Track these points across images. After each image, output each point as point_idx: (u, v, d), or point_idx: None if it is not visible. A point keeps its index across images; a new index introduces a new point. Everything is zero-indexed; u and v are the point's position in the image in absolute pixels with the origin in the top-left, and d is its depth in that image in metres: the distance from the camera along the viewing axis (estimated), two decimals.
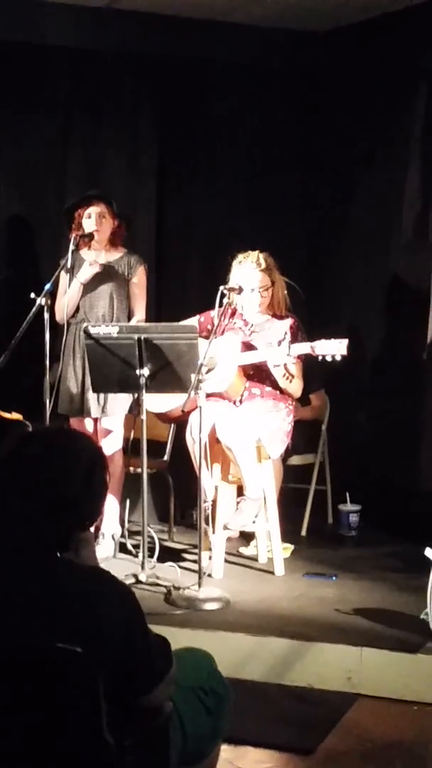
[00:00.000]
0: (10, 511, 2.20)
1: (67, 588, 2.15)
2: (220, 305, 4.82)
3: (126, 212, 5.54)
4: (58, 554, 2.22)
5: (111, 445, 5.26)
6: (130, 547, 5.26)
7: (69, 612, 2.11)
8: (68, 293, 5.18)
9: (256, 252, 5.08)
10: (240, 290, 5.00)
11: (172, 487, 5.64)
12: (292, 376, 4.91)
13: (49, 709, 2.08)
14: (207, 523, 4.83)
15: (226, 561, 5.08)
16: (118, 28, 6.03)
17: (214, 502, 4.95)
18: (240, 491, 5.02)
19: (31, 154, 6.05)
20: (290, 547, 5.37)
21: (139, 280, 5.33)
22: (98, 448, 2.40)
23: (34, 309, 4.74)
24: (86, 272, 5.18)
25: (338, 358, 4.76)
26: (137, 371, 4.60)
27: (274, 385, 5.01)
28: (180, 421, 5.14)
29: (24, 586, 2.14)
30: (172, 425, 5.48)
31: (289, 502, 5.62)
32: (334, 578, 4.95)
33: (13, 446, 2.27)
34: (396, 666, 3.96)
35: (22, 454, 2.25)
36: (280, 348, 4.84)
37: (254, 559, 5.30)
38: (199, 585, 4.57)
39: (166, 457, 5.59)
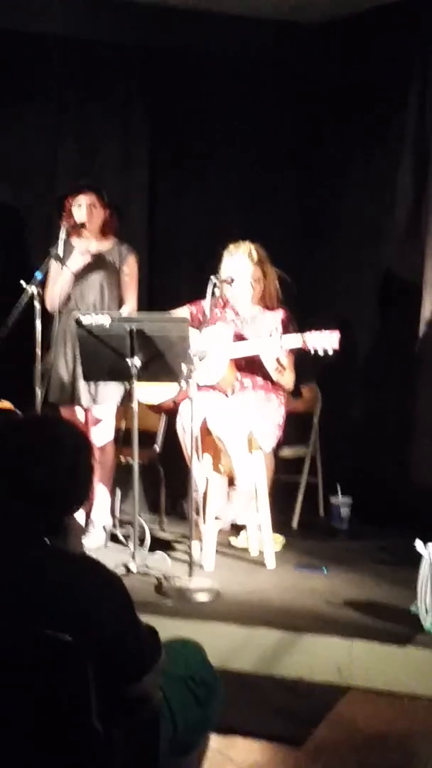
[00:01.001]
0: None
1: (55, 575, 2.14)
2: (212, 296, 4.80)
3: (117, 202, 5.52)
4: (47, 541, 2.21)
5: (102, 435, 5.25)
6: (120, 537, 5.25)
7: (57, 599, 2.10)
8: (59, 282, 5.16)
9: (248, 243, 5.07)
10: (231, 281, 4.98)
11: (163, 477, 5.64)
12: (284, 369, 4.91)
13: (37, 697, 2.07)
14: (198, 514, 4.82)
15: (217, 552, 5.06)
16: (110, 18, 6.00)
17: (205, 493, 4.94)
18: (231, 482, 5.02)
19: (21, 144, 6.02)
20: (281, 539, 5.36)
21: (130, 269, 5.31)
22: (82, 434, 2.39)
23: (23, 297, 4.72)
24: (77, 261, 5.16)
25: (330, 352, 4.74)
26: (128, 361, 4.59)
27: (266, 376, 5.00)
28: (171, 412, 5.13)
29: (12, 574, 2.13)
30: (164, 416, 5.46)
31: (281, 495, 5.60)
32: (324, 570, 4.95)
33: None
34: (386, 658, 3.96)
35: (5, 443, 2.23)
36: (271, 340, 4.83)
37: (245, 550, 5.29)
38: (190, 575, 4.56)
39: (157, 448, 5.58)
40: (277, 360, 4.85)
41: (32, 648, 2.06)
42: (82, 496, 2.31)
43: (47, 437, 2.26)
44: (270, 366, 4.87)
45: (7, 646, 2.07)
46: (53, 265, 5.09)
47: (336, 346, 4.73)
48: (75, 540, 2.38)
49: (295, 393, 5.61)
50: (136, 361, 4.57)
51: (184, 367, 4.47)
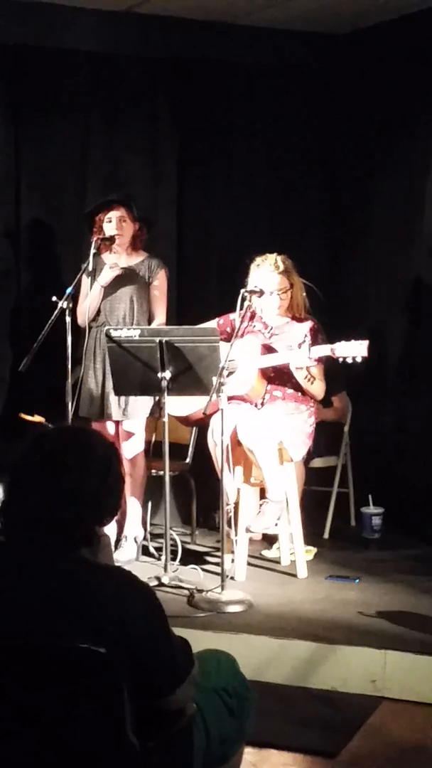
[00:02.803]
0: (31, 509, 2.20)
1: (89, 588, 2.15)
2: (241, 308, 4.82)
3: (146, 216, 5.55)
4: (80, 552, 2.22)
5: (133, 448, 5.27)
6: (152, 550, 5.26)
7: (91, 612, 2.11)
8: (89, 296, 5.19)
9: (274, 255, 5.07)
10: (261, 293, 4.99)
11: (195, 489, 5.64)
12: (314, 378, 4.91)
13: (72, 710, 2.08)
14: (229, 526, 4.82)
15: (249, 564, 5.07)
16: (138, 32, 6.05)
17: (236, 504, 4.95)
18: (262, 494, 5.02)
19: (51, 158, 6.08)
20: (313, 549, 5.36)
21: (159, 284, 5.34)
22: (111, 443, 2.41)
23: (56, 312, 4.76)
24: (107, 275, 5.19)
25: (359, 359, 4.74)
26: (159, 374, 4.61)
27: (296, 387, 5.00)
28: (202, 424, 5.14)
29: (47, 585, 2.14)
30: (194, 428, 5.47)
31: (312, 505, 5.61)
32: (357, 581, 4.94)
33: (28, 446, 2.28)
34: (420, 669, 3.94)
35: (38, 453, 2.26)
36: (300, 350, 4.83)
37: (277, 561, 5.29)
38: (222, 588, 4.57)
39: (188, 460, 5.59)
40: (307, 370, 4.85)
41: (67, 660, 2.07)
42: (114, 505, 2.32)
43: (78, 445, 2.29)
44: (299, 376, 4.88)
45: (42, 659, 2.08)
46: (84, 280, 5.13)
47: (365, 353, 4.72)
48: (106, 553, 2.40)
49: (326, 402, 5.61)
50: (166, 375, 4.59)
51: (214, 380, 4.48)
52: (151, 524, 5.56)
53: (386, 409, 6.30)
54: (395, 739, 3.61)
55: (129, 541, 5.30)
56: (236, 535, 4.92)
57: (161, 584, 4.65)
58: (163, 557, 4.83)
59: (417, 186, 5.91)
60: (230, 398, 4.75)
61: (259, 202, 6.45)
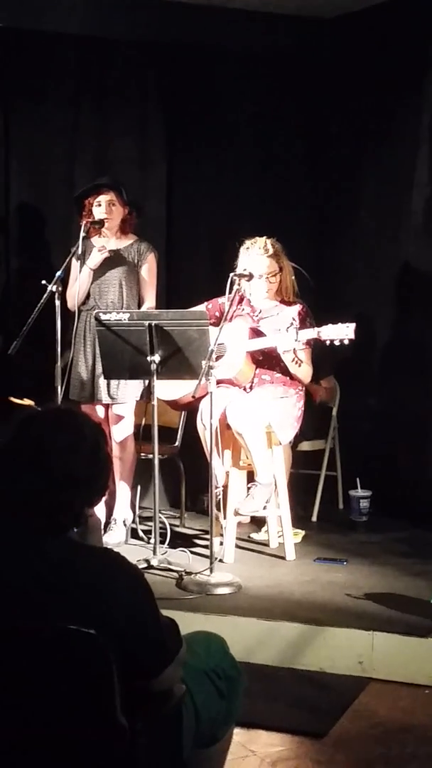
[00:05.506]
0: (20, 492, 2.20)
1: (78, 569, 2.15)
2: (230, 292, 4.83)
3: (136, 200, 5.55)
4: (68, 534, 2.23)
5: (122, 431, 5.29)
6: (141, 533, 5.28)
7: (80, 593, 2.12)
8: (78, 280, 5.19)
9: (264, 238, 5.08)
10: (250, 277, 5.00)
11: (184, 472, 5.67)
12: (301, 362, 4.92)
13: (62, 692, 2.09)
14: (218, 509, 4.84)
15: (238, 546, 5.10)
16: (125, 15, 6.03)
17: (225, 487, 4.97)
18: (251, 477, 5.04)
19: (40, 143, 6.06)
20: (301, 532, 5.39)
21: (149, 267, 5.34)
22: (98, 424, 2.41)
23: (45, 296, 4.76)
24: (95, 258, 5.19)
25: (346, 342, 4.75)
26: (148, 358, 4.62)
27: (284, 371, 5.01)
28: (191, 408, 5.15)
29: (35, 567, 2.14)
30: (183, 411, 5.49)
31: (300, 488, 5.63)
32: (344, 563, 4.97)
33: (16, 429, 2.28)
34: (407, 650, 3.97)
35: (27, 435, 2.26)
36: (288, 334, 4.84)
37: (265, 544, 5.32)
38: (211, 570, 4.59)
39: (177, 443, 5.60)
40: (294, 353, 4.86)
41: (56, 642, 2.08)
42: (102, 486, 2.32)
43: (66, 427, 2.28)
44: (286, 359, 4.89)
45: (31, 640, 2.09)
46: (73, 263, 5.13)
47: (352, 336, 4.73)
48: (95, 535, 2.40)
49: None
50: (155, 358, 4.60)
51: (203, 363, 4.50)
52: (140, 507, 5.58)
53: (374, 392, 6.32)
54: (382, 720, 3.64)
55: (118, 524, 5.31)
56: (225, 517, 4.95)
57: (150, 567, 4.67)
58: (152, 540, 4.85)
59: (405, 169, 5.91)
60: (219, 382, 4.77)
61: (248, 185, 6.44)
